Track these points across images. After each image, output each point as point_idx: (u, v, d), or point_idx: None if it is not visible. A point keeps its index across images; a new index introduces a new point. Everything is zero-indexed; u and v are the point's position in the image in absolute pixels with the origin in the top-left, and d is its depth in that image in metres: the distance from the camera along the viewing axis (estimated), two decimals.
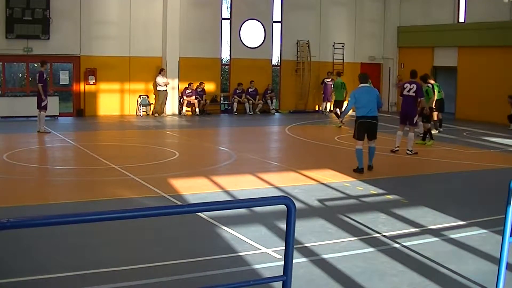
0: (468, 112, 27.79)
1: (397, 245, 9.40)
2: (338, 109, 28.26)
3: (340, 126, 26.12)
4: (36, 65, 28.22)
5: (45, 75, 22.29)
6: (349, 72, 35.20)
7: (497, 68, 30.06)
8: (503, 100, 27.85)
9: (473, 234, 10.20)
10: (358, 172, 15.68)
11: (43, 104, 22.04)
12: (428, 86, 21.98)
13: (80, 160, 17.62)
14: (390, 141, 19.92)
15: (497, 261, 7.31)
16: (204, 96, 31.31)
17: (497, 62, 30.65)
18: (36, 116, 22.59)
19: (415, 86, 19.06)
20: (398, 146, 19.15)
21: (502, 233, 7.11)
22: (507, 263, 7.28)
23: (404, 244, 9.46)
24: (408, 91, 19.01)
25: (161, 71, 29.71)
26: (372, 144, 16.23)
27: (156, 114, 29.80)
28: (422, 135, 21.85)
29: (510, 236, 7.12)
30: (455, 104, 32.45)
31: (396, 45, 37.47)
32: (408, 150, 19.07)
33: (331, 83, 33.52)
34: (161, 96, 29.88)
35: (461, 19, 33.79)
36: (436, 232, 10.23)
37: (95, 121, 27.48)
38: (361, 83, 16.34)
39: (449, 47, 34.10)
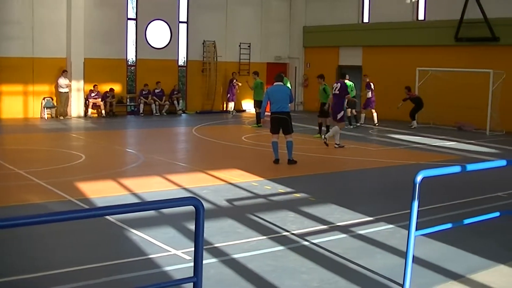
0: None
1: (306, 243, 9.51)
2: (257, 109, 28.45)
3: (260, 126, 26.19)
4: None
5: None
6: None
7: (400, 67, 30.73)
8: (403, 94, 28.46)
9: (381, 230, 10.43)
10: (275, 163, 17.03)
11: None
12: (325, 85, 23.05)
13: None
14: (300, 141, 20.11)
15: (404, 255, 7.49)
16: (112, 97, 30.87)
17: (400, 61, 31.38)
18: None
19: (339, 85, 21.01)
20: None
21: (408, 227, 7.30)
22: (414, 257, 7.47)
23: (314, 241, 9.58)
24: (334, 89, 20.92)
25: (63, 72, 29.18)
26: (289, 138, 17.14)
27: (61, 117, 29.29)
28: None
29: (416, 230, 7.32)
30: (360, 103, 33.02)
31: (302, 44, 37.91)
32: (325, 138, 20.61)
33: (235, 83, 33.73)
34: (63, 98, 29.35)
35: (366, 19, 34.44)
36: (344, 229, 10.40)
37: None
38: (276, 81, 17.52)
39: (354, 46, 34.75)
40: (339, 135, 20.65)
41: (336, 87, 20.68)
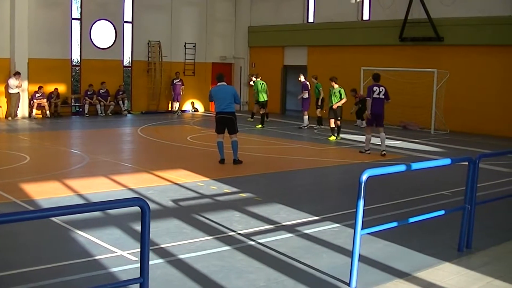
0: None
1: (252, 243, 9.52)
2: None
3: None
4: None
5: None
6: (201, 72, 35.49)
7: (345, 67, 30.89)
8: (351, 98, 28.63)
9: (327, 229, 10.47)
10: (220, 163, 17.05)
11: None
12: (340, 88, 24.12)
13: None
14: (245, 140, 20.14)
15: (350, 254, 7.54)
16: (57, 98, 30.48)
17: (345, 61, 31.57)
18: None
19: (383, 89, 19.65)
20: (369, 149, 20.04)
21: (354, 226, 7.36)
22: (360, 255, 7.54)
23: (260, 241, 9.59)
24: (378, 94, 19.57)
25: (15, 74, 28.66)
26: (234, 138, 17.18)
27: (10, 118, 28.85)
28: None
29: (362, 228, 7.38)
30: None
31: (247, 44, 37.94)
32: (383, 151, 19.77)
33: (180, 83, 33.72)
34: (13, 99, 28.93)
35: (311, 19, 34.61)
36: (290, 228, 10.43)
37: None
38: (218, 82, 17.43)
39: (299, 46, 34.90)
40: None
41: (380, 91, 19.58)
